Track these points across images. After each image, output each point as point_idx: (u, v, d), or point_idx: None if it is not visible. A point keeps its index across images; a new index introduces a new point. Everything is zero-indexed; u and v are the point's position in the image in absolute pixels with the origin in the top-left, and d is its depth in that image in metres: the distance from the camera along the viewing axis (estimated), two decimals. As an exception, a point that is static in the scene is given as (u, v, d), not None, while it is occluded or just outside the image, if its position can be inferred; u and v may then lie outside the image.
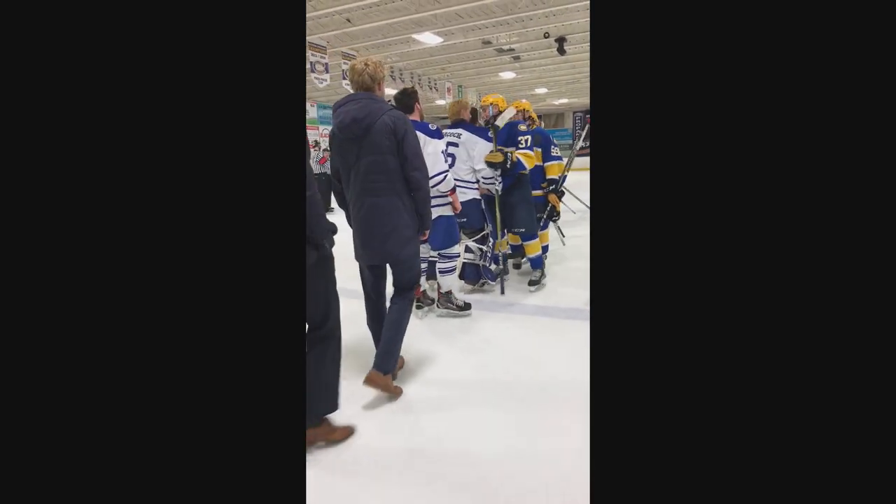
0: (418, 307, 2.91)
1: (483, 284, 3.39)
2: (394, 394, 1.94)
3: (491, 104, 3.36)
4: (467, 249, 3.21)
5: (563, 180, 3.96)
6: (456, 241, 2.82)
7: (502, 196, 3.21)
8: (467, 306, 2.90)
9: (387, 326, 1.99)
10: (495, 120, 3.18)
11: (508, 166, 3.13)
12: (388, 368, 1.93)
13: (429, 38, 8.56)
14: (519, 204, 3.30)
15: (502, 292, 3.28)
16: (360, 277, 2.14)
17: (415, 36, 8.37)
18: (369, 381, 1.89)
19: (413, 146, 1.90)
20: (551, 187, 3.61)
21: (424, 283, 3.01)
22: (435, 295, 2.99)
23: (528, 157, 3.24)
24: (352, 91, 1.94)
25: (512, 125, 3.26)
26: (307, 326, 1.55)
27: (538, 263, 3.49)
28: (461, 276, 3.28)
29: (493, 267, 3.29)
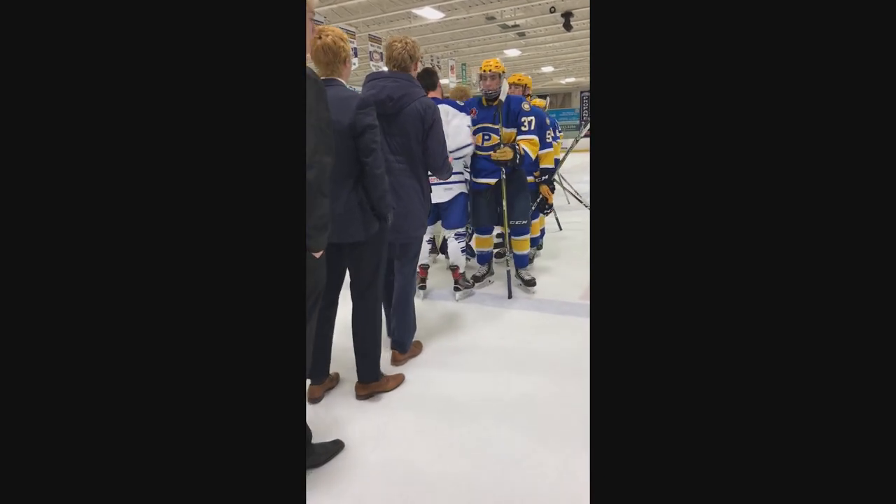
0: (421, 288, 3.00)
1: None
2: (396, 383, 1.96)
3: (492, 71, 2.79)
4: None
5: (559, 165, 3.74)
6: (467, 220, 3.03)
7: (497, 186, 2.91)
8: (492, 270, 3.21)
9: (398, 305, 2.10)
10: (497, 94, 2.79)
11: (518, 162, 2.80)
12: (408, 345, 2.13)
13: (430, 13, 8.22)
14: (518, 194, 2.97)
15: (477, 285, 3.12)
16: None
17: (415, 11, 8.04)
18: (395, 360, 2.10)
19: (439, 137, 1.97)
20: (544, 177, 3.25)
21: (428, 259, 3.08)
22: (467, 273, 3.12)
23: (532, 145, 2.85)
24: (385, 69, 1.99)
25: (515, 101, 2.88)
26: (356, 286, 1.79)
27: (525, 262, 3.14)
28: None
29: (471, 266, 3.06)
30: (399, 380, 1.96)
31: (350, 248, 1.74)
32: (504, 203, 2.89)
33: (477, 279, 3.15)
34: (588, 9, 8.44)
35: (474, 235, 3.19)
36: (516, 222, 2.96)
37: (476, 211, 3.04)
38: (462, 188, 2.86)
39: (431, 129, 1.93)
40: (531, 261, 3.22)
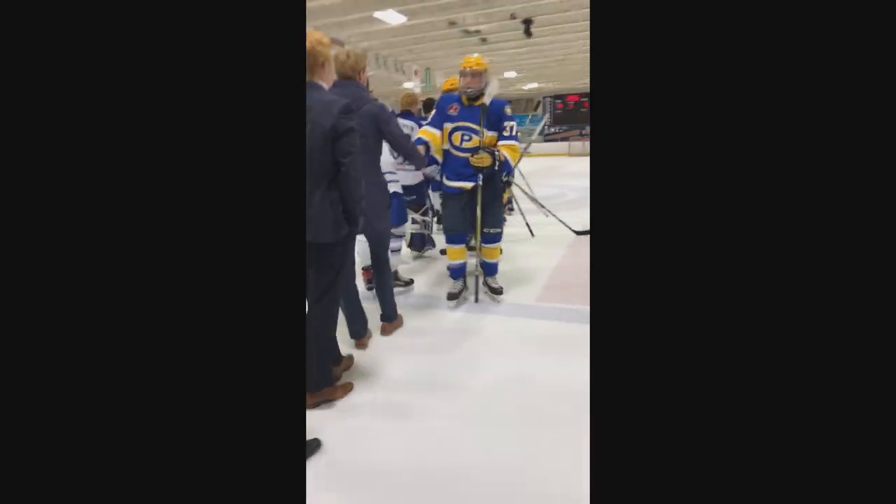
0: (396, 285, 2.99)
1: (427, 250, 3.88)
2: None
3: (473, 68, 2.60)
4: (413, 221, 3.58)
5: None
6: (405, 221, 3.08)
7: (473, 191, 2.70)
8: (411, 281, 3.21)
9: (379, 288, 2.39)
10: (482, 94, 2.58)
11: (497, 168, 2.65)
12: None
13: (392, 17, 8.19)
14: (493, 201, 2.79)
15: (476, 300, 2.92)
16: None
17: (377, 14, 7.99)
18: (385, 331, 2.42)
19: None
20: (505, 180, 3.10)
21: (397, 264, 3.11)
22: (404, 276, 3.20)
23: (513, 151, 2.69)
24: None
25: (498, 103, 2.69)
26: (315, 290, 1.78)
27: (494, 270, 2.97)
28: (409, 245, 3.77)
29: (459, 282, 2.92)
30: (348, 388, 1.94)
31: (317, 249, 1.74)
32: (479, 210, 2.73)
33: (453, 296, 2.85)
34: (547, 16, 8.62)
35: (446, 246, 2.94)
36: (489, 230, 2.80)
37: (450, 216, 2.84)
38: (395, 188, 2.84)
39: (388, 125, 2.16)
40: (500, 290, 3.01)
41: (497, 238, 2.87)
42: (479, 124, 2.63)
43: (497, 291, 2.93)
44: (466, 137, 2.69)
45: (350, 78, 2.10)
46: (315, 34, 1.68)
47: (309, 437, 1.58)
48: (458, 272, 2.96)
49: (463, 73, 2.65)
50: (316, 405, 1.81)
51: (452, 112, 2.70)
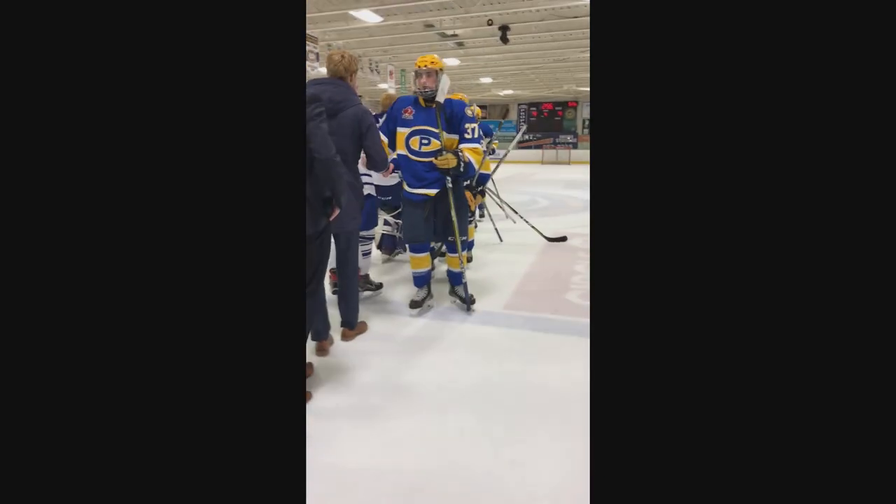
0: (367, 288, 2.99)
1: (397, 254, 3.79)
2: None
3: (428, 67, 2.49)
4: (385, 223, 3.44)
5: (492, 174, 3.71)
6: (375, 224, 3.02)
7: (437, 197, 2.56)
8: (381, 285, 3.11)
9: (344, 292, 2.32)
10: (435, 94, 2.46)
11: (462, 170, 2.52)
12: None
13: (367, 16, 8.09)
14: (459, 207, 2.64)
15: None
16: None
17: (352, 13, 7.88)
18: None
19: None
20: (478, 187, 3.08)
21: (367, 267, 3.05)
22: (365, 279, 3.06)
23: (476, 154, 2.57)
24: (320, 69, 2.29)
25: (458, 105, 2.58)
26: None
27: (459, 280, 2.74)
28: (379, 246, 3.68)
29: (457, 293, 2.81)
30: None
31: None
32: (453, 214, 2.57)
33: (416, 304, 2.72)
34: (524, 24, 8.68)
35: (409, 254, 2.82)
36: (457, 238, 2.64)
37: (412, 226, 2.65)
38: (370, 190, 2.83)
39: (369, 131, 2.15)
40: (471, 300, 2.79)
41: (463, 246, 2.70)
42: (437, 126, 2.49)
43: (466, 301, 2.73)
44: (425, 141, 2.54)
45: (342, 78, 2.16)
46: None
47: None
48: (421, 280, 2.81)
49: (418, 74, 2.53)
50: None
51: (408, 115, 2.57)
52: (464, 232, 2.70)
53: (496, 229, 4.57)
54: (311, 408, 1.78)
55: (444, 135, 2.51)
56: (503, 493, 1.36)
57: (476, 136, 2.58)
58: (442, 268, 3.07)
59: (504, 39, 8.67)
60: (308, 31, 8.53)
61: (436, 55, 2.60)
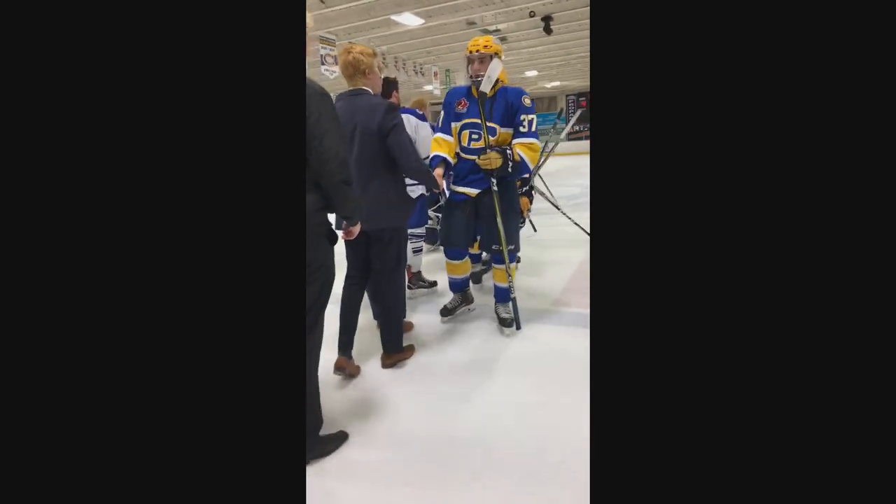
0: (410, 287, 2.97)
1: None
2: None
3: (480, 52, 2.14)
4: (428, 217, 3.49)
5: (537, 170, 3.61)
6: (425, 222, 3.10)
7: (479, 198, 2.27)
8: (434, 283, 3.15)
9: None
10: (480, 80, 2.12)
11: (510, 170, 2.19)
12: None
13: (409, 20, 8.17)
14: (507, 214, 2.29)
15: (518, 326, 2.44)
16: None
17: (394, 17, 7.98)
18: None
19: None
20: (525, 188, 2.83)
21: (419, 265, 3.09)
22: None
23: (531, 151, 2.20)
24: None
25: (514, 93, 2.20)
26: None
27: (505, 296, 2.41)
28: (425, 239, 3.55)
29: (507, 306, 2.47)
30: (412, 351, 2.23)
31: (376, 235, 1.97)
32: (499, 220, 2.25)
33: (447, 311, 2.52)
34: (567, 12, 8.47)
35: (446, 261, 2.59)
36: (497, 246, 2.32)
37: (448, 228, 2.38)
38: (422, 190, 2.87)
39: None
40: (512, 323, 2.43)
41: (511, 257, 2.35)
42: (488, 118, 2.18)
43: (505, 323, 2.41)
44: (475, 136, 2.26)
45: (355, 79, 2.06)
46: (355, 46, 1.91)
47: (335, 429, 1.66)
48: (458, 285, 2.57)
49: (470, 59, 2.19)
50: (391, 366, 2.11)
51: (461, 108, 2.28)
52: (512, 241, 2.34)
53: (530, 220, 4.51)
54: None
55: (500, 129, 2.21)
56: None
57: (533, 129, 2.22)
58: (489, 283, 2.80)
59: (547, 30, 8.50)
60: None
61: (491, 37, 2.26)
